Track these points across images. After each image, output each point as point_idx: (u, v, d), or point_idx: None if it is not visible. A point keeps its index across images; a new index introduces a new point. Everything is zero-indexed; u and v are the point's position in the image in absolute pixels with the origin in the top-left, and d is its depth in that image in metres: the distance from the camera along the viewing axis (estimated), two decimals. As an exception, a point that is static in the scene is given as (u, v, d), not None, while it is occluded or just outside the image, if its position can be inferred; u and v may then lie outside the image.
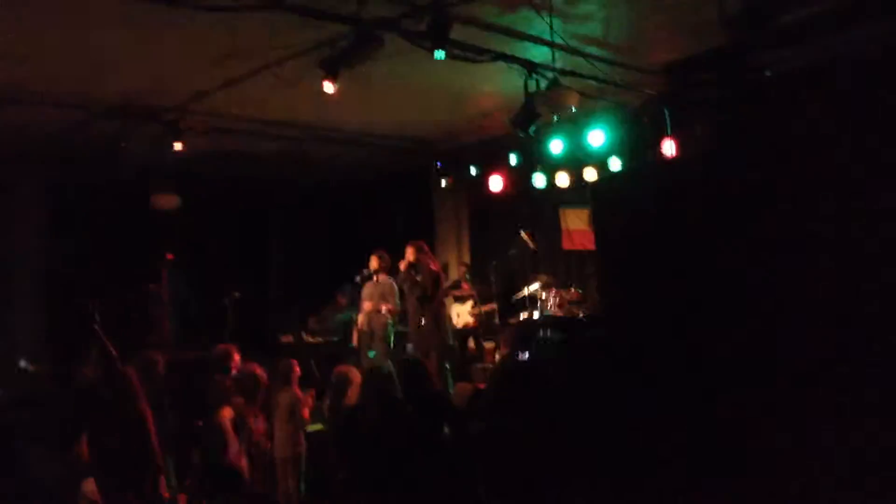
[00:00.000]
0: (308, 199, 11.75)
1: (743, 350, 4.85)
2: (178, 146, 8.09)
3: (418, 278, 8.40)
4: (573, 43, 6.35)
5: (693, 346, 4.87)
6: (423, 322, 8.35)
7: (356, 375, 6.44)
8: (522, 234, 9.49)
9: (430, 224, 11.41)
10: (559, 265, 10.04)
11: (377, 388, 4.66)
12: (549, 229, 10.22)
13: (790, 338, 4.76)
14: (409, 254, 8.50)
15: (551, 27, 5.67)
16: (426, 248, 8.68)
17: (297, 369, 6.57)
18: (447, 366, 8.27)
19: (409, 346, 8.94)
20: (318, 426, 7.07)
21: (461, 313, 10.14)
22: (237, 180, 11.07)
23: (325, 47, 6.07)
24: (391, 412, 4.58)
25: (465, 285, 10.35)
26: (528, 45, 6.43)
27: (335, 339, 10.06)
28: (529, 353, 5.37)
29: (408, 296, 8.61)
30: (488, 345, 9.74)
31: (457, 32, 5.69)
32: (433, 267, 8.52)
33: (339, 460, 5.43)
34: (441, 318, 8.45)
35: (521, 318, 8.44)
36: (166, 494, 5.28)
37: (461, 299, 10.20)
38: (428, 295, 8.31)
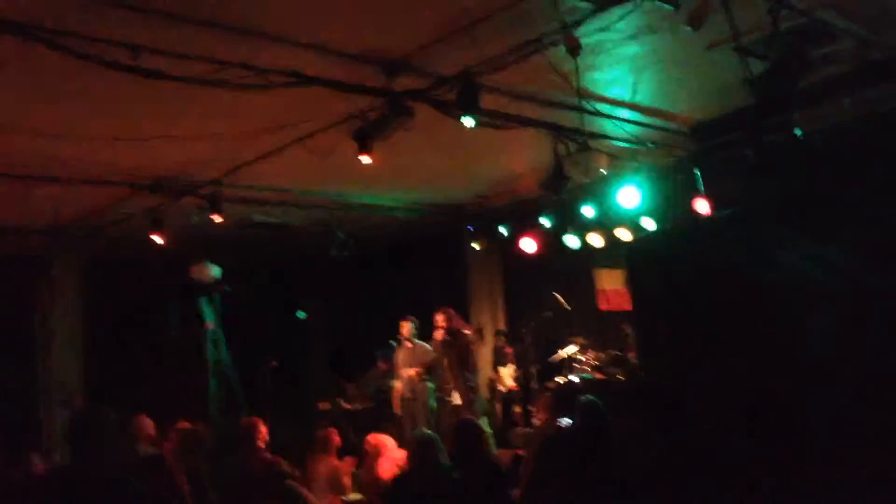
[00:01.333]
0: (344, 268, 11.88)
1: (786, 413, 4.74)
2: (217, 219, 8.27)
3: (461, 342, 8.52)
4: (601, 106, 6.43)
5: (736, 407, 4.78)
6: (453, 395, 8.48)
7: (385, 444, 6.41)
8: (556, 295, 9.46)
9: (463, 287, 11.43)
10: (594, 326, 9.96)
11: (424, 454, 4.61)
12: (584, 290, 10.17)
13: (835, 403, 4.65)
14: (443, 320, 8.55)
15: (578, 93, 5.76)
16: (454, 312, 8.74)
17: (337, 438, 6.55)
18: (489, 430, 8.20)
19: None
20: (357, 496, 7.00)
21: (504, 377, 10.10)
22: (274, 250, 11.24)
23: (356, 119, 6.22)
24: (438, 478, 4.53)
25: (508, 349, 10.34)
26: (556, 110, 6.53)
27: (372, 405, 10.03)
28: (570, 419, 5.28)
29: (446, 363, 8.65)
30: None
31: (485, 100, 5.81)
32: (466, 331, 8.57)
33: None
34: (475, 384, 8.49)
35: (560, 382, 8.34)
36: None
37: (502, 363, 10.18)
38: (467, 361, 8.41)
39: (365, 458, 6.65)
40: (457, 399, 8.62)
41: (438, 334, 8.57)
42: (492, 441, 8.19)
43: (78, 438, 3.30)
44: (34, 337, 9.76)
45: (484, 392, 9.74)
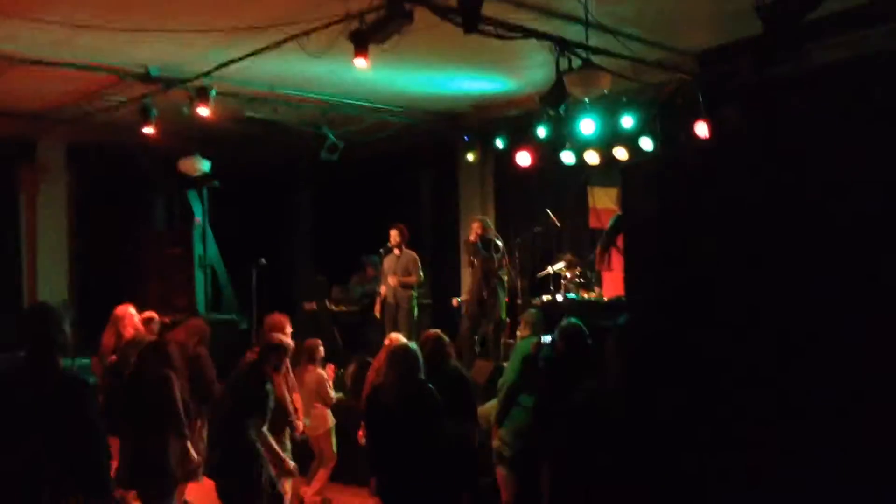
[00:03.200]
0: (334, 168, 11.74)
1: (770, 345, 4.78)
2: (205, 112, 8.10)
3: (495, 253, 8.57)
4: (607, 21, 6.22)
5: (717, 339, 4.81)
6: (486, 295, 8.53)
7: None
8: (548, 211, 9.42)
9: (454, 197, 11.36)
10: (584, 244, 9.95)
11: (401, 368, 4.67)
12: (576, 207, 10.12)
13: (821, 333, 4.68)
14: (479, 227, 8.67)
15: (585, 6, 5.55)
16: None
17: (321, 349, 6.64)
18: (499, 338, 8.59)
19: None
20: (339, 395, 7.18)
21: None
22: (264, 148, 11.08)
23: (353, 20, 6.01)
24: (413, 393, 4.60)
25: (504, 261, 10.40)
26: (560, 22, 6.31)
27: (358, 308, 10.13)
28: (551, 337, 5.34)
29: (473, 267, 8.76)
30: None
31: (487, 7, 5.60)
32: (500, 243, 8.71)
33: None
34: (499, 293, 8.64)
35: (544, 300, 8.41)
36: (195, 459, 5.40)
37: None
38: (495, 269, 8.51)
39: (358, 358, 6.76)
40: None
41: (473, 237, 8.66)
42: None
43: (27, 336, 3.33)
44: (18, 227, 9.67)
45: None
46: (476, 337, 8.74)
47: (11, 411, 3.28)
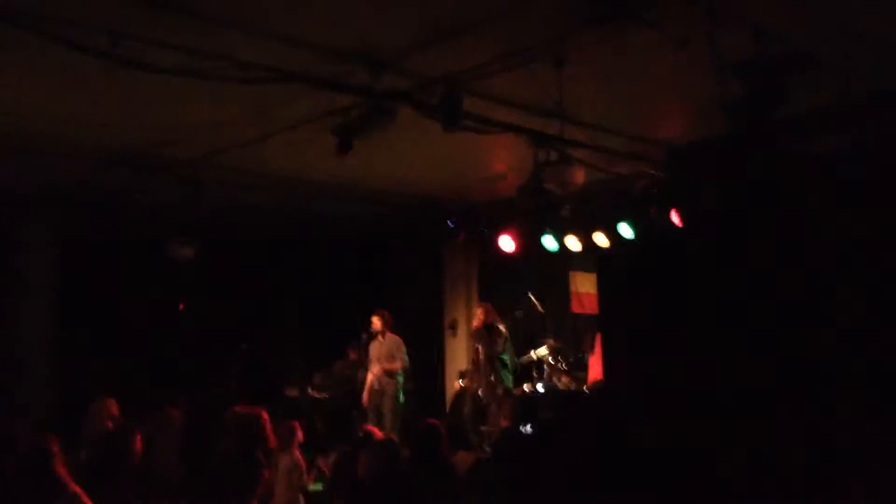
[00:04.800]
0: (319, 253, 11.85)
1: (745, 432, 4.83)
2: (190, 199, 8.23)
3: (498, 338, 8.78)
4: (581, 117, 6.47)
5: (694, 429, 4.85)
6: (492, 378, 8.66)
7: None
8: (531, 296, 9.53)
9: (439, 281, 11.45)
10: (567, 329, 10.04)
11: (382, 460, 4.66)
12: (559, 292, 10.24)
13: (794, 421, 4.75)
14: (482, 313, 8.89)
15: (559, 104, 5.79)
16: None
17: (300, 433, 6.59)
18: None
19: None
20: (318, 486, 7.07)
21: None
22: (249, 233, 11.20)
23: (338, 115, 6.20)
24: (399, 485, 4.59)
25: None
26: (538, 117, 6.55)
27: (339, 394, 10.07)
28: (532, 428, 5.35)
29: (480, 352, 8.87)
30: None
31: (468, 103, 5.82)
32: (503, 328, 8.84)
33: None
34: (504, 376, 8.81)
35: (525, 389, 8.45)
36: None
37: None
38: (498, 353, 8.69)
39: (344, 448, 6.68)
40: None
41: (478, 322, 8.83)
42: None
43: None
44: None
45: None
46: (482, 428, 8.71)
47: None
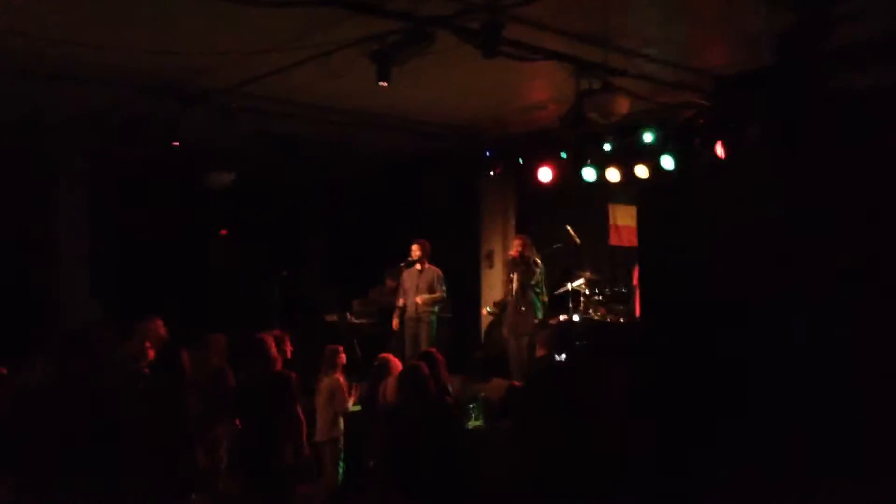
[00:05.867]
0: (355, 182, 11.86)
1: (781, 366, 4.79)
2: (228, 128, 8.27)
3: (535, 268, 8.73)
4: (626, 44, 6.28)
5: (728, 360, 4.83)
6: (523, 308, 8.65)
7: (396, 366, 6.58)
8: (568, 227, 9.47)
9: (475, 212, 11.43)
10: (604, 261, 9.98)
11: (416, 386, 4.75)
12: (596, 224, 10.15)
13: (836, 358, 4.68)
14: (520, 244, 8.79)
15: (605, 28, 5.62)
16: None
17: (343, 356, 6.72)
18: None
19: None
20: (356, 408, 7.25)
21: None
22: (288, 160, 11.22)
23: (375, 40, 6.11)
24: (428, 410, 4.68)
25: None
26: (580, 44, 6.37)
27: (377, 321, 10.23)
28: (566, 356, 5.39)
29: (514, 282, 8.82)
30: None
31: (509, 30, 5.68)
32: (538, 260, 8.86)
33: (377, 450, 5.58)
34: (536, 305, 8.80)
35: (561, 319, 8.45)
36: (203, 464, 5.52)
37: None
38: (534, 283, 8.67)
39: (371, 373, 6.82)
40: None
41: (515, 252, 8.81)
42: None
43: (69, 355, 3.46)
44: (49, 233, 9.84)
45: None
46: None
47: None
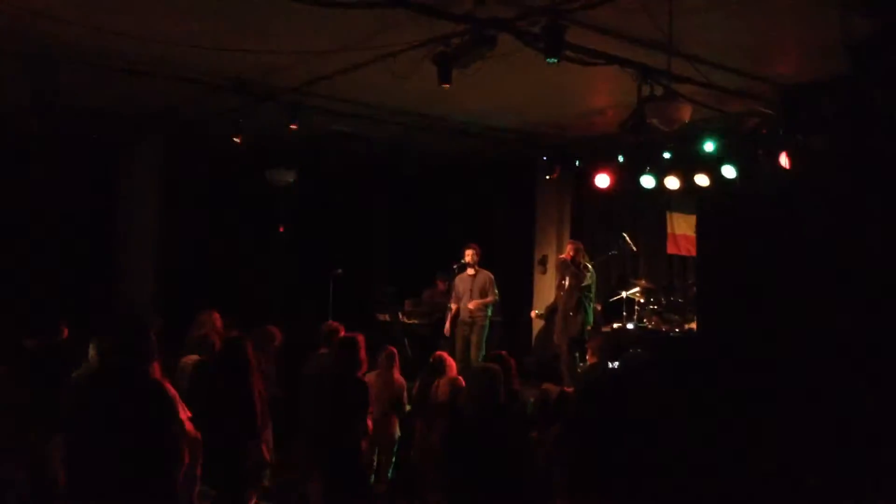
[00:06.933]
0: (413, 183, 11.95)
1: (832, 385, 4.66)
2: (293, 126, 8.43)
3: (585, 272, 8.78)
4: (690, 50, 6.19)
5: (786, 374, 4.73)
6: (571, 312, 8.68)
7: (451, 365, 6.61)
8: (625, 235, 9.38)
9: (530, 217, 11.40)
10: (661, 270, 9.86)
11: (482, 388, 4.68)
12: (653, 232, 10.03)
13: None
14: (572, 248, 8.87)
15: (669, 33, 5.54)
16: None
17: (397, 356, 6.78)
18: (577, 356, 8.62)
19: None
20: (407, 408, 7.29)
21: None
22: (348, 160, 11.38)
23: (438, 42, 6.15)
24: (496, 413, 4.62)
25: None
26: (643, 49, 6.31)
27: (428, 322, 10.28)
28: (619, 365, 5.34)
29: (565, 286, 8.87)
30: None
31: (571, 34, 5.66)
32: (591, 266, 8.91)
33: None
34: (586, 308, 8.80)
35: (614, 327, 8.37)
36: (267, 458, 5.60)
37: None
38: (583, 288, 8.67)
39: (425, 371, 6.86)
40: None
41: (567, 256, 8.87)
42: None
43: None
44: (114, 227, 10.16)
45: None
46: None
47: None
